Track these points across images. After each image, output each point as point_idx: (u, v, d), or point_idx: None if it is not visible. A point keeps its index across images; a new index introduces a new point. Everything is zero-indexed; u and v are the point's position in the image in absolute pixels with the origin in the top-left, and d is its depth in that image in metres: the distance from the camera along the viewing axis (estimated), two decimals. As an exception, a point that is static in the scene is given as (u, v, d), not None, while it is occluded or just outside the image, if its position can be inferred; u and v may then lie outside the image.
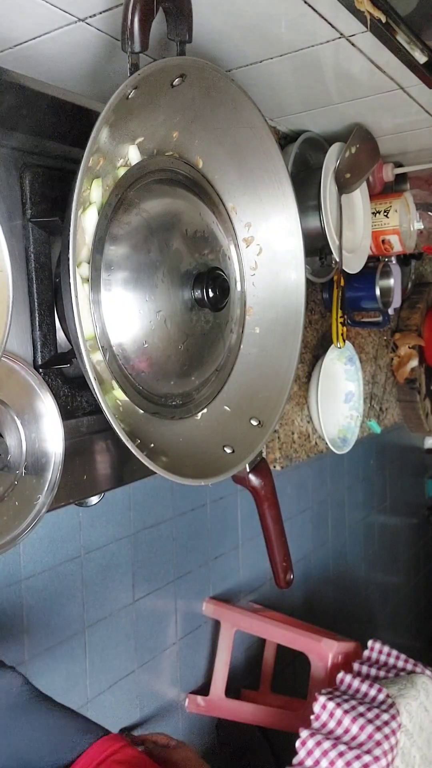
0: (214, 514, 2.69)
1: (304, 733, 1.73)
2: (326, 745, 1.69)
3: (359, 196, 1.33)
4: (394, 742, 1.68)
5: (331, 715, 1.77)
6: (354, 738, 1.70)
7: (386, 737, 1.67)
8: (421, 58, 0.94)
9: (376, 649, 2.13)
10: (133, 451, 0.68)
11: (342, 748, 1.67)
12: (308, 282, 0.97)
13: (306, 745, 1.70)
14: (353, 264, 1.30)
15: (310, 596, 3.25)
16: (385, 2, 0.81)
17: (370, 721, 1.71)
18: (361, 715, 1.74)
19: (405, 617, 4.28)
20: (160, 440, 0.81)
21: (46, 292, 0.81)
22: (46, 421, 0.79)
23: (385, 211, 1.38)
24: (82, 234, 0.73)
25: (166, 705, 2.40)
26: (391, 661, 2.09)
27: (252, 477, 0.93)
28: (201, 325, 0.85)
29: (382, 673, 2.02)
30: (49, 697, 1.12)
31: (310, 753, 1.69)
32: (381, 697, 1.83)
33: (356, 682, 1.92)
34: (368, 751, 1.63)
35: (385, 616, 4.02)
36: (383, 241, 1.40)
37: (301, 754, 1.70)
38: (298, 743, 1.72)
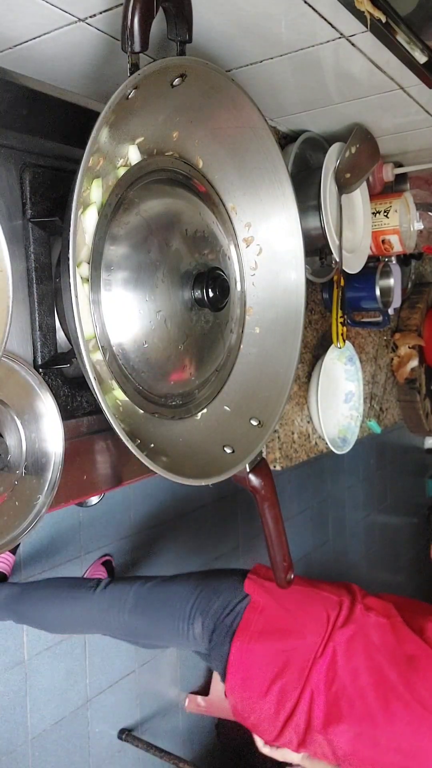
0: (214, 514, 2.69)
1: (304, 733, 1.73)
2: (326, 745, 1.68)
3: (359, 196, 1.33)
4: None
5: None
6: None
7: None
8: (421, 58, 0.94)
9: (376, 649, 2.12)
10: (133, 451, 0.68)
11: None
12: (308, 282, 0.97)
13: (306, 745, 1.70)
14: (353, 264, 1.30)
15: (310, 596, 3.24)
16: (385, 2, 0.81)
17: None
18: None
19: (405, 617, 4.28)
20: (160, 440, 0.81)
21: (46, 292, 0.81)
22: (46, 421, 0.79)
23: (385, 211, 1.38)
24: (82, 234, 0.73)
25: (166, 705, 2.40)
26: (391, 661, 2.09)
27: (252, 477, 0.93)
28: (201, 325, 0.85)
29: (382, 673, 2.02)
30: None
31: (310, 753, 1.69)
32: (381, 697, 1.83)
33: (356, 682, 1.91)
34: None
35: (385, 616, 4.02)
36: (383, 241, 1.40)
37: (301, 753, 1.70)
38: (298, 743, 1.72)
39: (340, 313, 1.28)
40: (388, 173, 1.39)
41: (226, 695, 1.30)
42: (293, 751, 1.28)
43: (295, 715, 1.23)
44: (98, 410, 0.71)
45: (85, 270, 0.73)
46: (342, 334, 1.29)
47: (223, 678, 1.29)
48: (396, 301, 1.51)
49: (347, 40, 0.88)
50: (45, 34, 0.81)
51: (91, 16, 0.78)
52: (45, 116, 0.81)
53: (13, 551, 1.91)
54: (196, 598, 1.36)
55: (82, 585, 1.54)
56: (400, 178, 1.46)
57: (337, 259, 1.20)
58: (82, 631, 1.61)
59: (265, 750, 1.34)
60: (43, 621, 1.62)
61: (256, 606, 1.30)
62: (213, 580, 1.39)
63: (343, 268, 1.24)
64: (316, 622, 1.27)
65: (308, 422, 1.36)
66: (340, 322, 1.29)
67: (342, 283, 1.26)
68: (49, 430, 0.79)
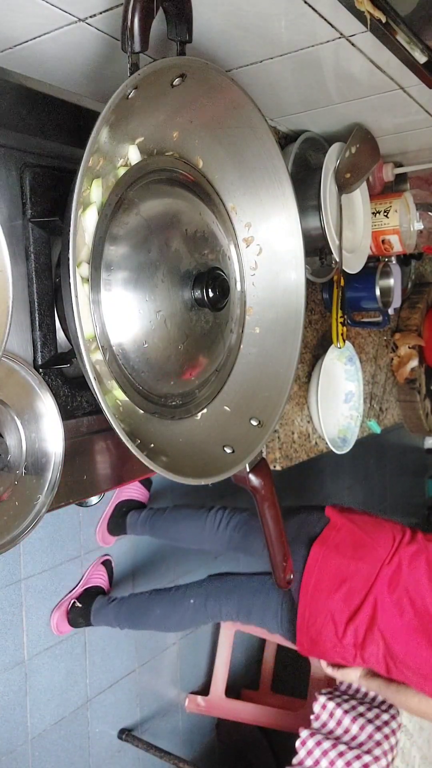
0: (214, 514, 2.68)
1: (304, 733, 1.73)
2: (326, 745, 1.69)
3: (359, 196, 1.33)
4: (394, 742, 1.69)
5: (331, 715, 1.77)
6: (354, 738, 1.70)
7: (386, 737, 1.67)
8: (421, 58, 0.94)
9: (376, 648, 2.12)
10: (133, 451, 0.68)
11: (342, 748, 1.67)
12: (308, 282, 0.97)
13: (306, 745, 1.70)
14: (353, 264, 1.30)
15: (310, 596, 3.24)
16: (385, 2, 0.81)
17: (370, 721, 1.71)
18: (361, 715, 1.74)
19: (405, 617, 4.28)
20: (160, 440, 0.81)
21: (46, 292, 0.81)
22: (46, 421, 0.79)
23: (385, 211, 1.38)
24: (82, 234, 0.73)
25: (166, 705, 2.40)
26: (391, 661, 2.09)
27: (252, 477, 0.93)
28: (201, 325, 0.85)
29: (382, 673, 2.02)
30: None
31: (310, 753, 1.69)
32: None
33: (356, 682, 1.92)
34: (368, 751, 1.63)
35: (385, 616, 4.02)
36: (383, 241, 1.40)
37: (301, 753, 1.70)
38: (298, 743, 1.72)
39: (340, 313, 1.28)
40: (388, 173, 1.39)
41: (299, 597, 1.48)
42: (350, 663, 1.46)
43: (358, 617, 1.41)
44: (98, 410, 0.71)
45: (85, 270, 0.73)
46: (342, 334, 1.29)
47: (299, 580, 1.47)
48: (396, 301, 1.51)
49: (347, 40, 0.88)
50: (45, 34, 0.81)
51: (91, 16, 0.78)
52: (45, 116, 0.81)
53: (148, 487, 2.24)
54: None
55: (198, 510, 1.90)
56: (400, 178, 1.46)
57: (337, 259, 1.20)
58: (200, 546, 1.93)
59: (328, 670, 1.56)
60: (174, 536, 1.97)
61: (334, 525, 1.52)
62: (292, 510, 1.63)
63: (343, 268, 1.24)
64: (385, 539, 1.48)
65: (308, 422, 1.36)
66: (340, 322, 1.29)
67: (342, 283, 1.26)
68: (49, 430, 0.79)
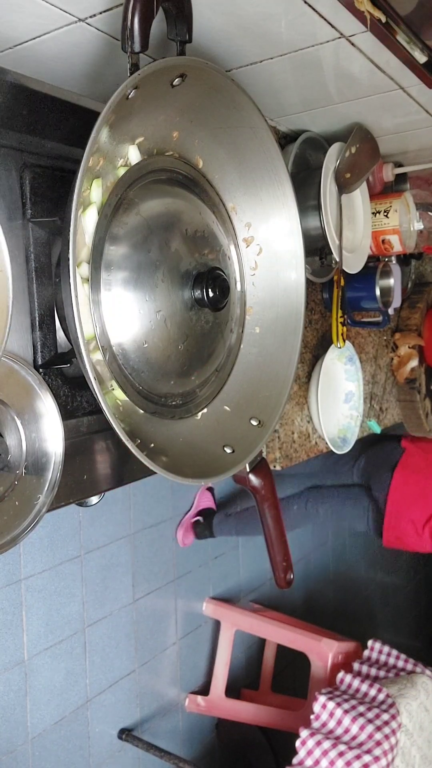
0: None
1: (304, 733, 1.73)
2: (326, 744, 1.69)
3: (359, 196, 1.33)
4: (394, 742, 1.69)
5: (331, 714, 1.77)
6: (354, 738, 1.70)
7: (386, 737, 1.67)
8: (421, 58, 0.94)
9: (376, 649, 2.13)
10: (133, 451, 0.68)
11: (342, 747, 1.67)
12: (308, 282, 0.97)
13: (306, 745, 1.71)
14: (353, 264, 1.30)
15: (310, 596, 3.25)
16: (385, 2, 0.81)
17: (370, 721, 1.71)
18: (361, 714, 1.74)
19: (405, 617, 4.28)
20: (160, 440, 0.81)
21: (46, 292, 0.81)
22: (46, 421, 0.79)
23: (385, 211, 1.38)
24: (82, 234, 0.73)
25: (166, 705, 2.40)
26: (392, 661, 2.09)
27: (252, 477, 0.93)
28: (201, 325, 0.85)
29: (382, 673, 2.03)
30: None
31: (310, 753, 1.69)
32: (381, 696, 1.83)
33: (356, 682, 1.92)
34: (368, 751, 1.64)
35: (385, 616, 4.02)
36: (383, 241, 1.40)
37: (301, 753, 1.70)
38: (298, 743, 1.72)
39: (340, 313, 1.28)
40: (388, 173, 1.39)
41: (386, 508, 1.99)
42: (428, 550, 1.95)
43: None
44: (98, 410, 0.71)
45: (85, 270, 0.73)
46: (342, 334, 1.29)
47: (386, 496, 1.97)
48: (396, 301, 1.51)
49: (347, 40, 0.88)
50: (45, 34, 0.81)
51: (91, 16, 0.78)
52: (45, 116, 0.81)
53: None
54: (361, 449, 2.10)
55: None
56: (400, 178, 1.46)
57: (337, 259, 1.20)
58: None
59: None
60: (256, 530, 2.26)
61: (410, 453, 2.01)
62: (374, 442, 2.10)
63: (343, 268, 1.24)
64: None
65: (308, 422, 1.36)
66: (340, 322, 1.29)
67: (342, 283, 1.26)
68: (49, 430, 0.79)
